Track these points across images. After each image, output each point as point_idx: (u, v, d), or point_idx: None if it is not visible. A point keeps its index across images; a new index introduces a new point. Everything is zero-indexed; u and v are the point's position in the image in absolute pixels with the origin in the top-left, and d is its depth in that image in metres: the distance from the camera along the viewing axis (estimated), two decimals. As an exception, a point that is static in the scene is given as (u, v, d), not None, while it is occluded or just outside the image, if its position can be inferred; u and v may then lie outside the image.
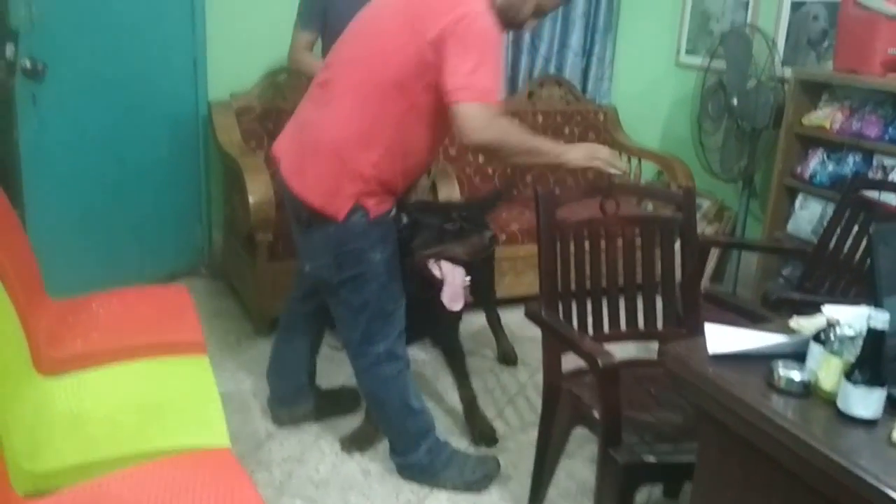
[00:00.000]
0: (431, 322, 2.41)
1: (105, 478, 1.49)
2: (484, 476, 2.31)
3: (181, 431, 1.70)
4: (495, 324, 3.15)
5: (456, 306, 2.16)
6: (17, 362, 1.80)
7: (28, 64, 2.76)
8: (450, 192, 3.37)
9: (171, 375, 1.94)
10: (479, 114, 1.86)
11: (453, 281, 2.15)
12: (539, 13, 2.11)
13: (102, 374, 1.93)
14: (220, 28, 3.54)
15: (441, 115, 1.96)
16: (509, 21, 2.08)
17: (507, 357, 3.12)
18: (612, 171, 2.13)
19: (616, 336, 2.18)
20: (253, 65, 3.56)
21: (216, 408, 1.78)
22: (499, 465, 2.36)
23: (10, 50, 2.70)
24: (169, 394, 1.86)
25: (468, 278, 2.19)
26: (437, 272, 2.16)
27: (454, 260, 2.15)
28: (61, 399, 1.83)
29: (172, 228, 3.60)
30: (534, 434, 2.24)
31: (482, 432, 2.56)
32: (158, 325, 2.14)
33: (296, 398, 2.55)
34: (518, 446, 2.55)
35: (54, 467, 1.56)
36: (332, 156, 2.01)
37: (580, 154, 2.11)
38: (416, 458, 2.29)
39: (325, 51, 2.93)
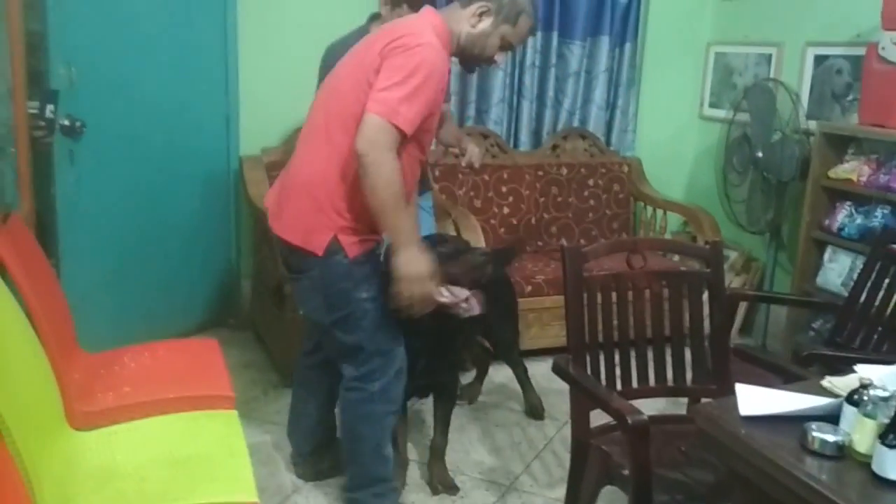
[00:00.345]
0: (438, 353, 2.36)
1: (134, 534, 1.51)
2: None
3: (210, 486, 1.71)
4: (522, 376, 3.12)
5: (474, 311, 2.14)
6: (50, 416, 1.83)
7: (67, 122, 2.85)
8: (474, 241, 3.38)
9: (200, 430, 1.95)
10: (376, 126, 1.88)
11: (460, 296, 2.13)
12: (505, 47, 2.14)
13: (133, 428, 1.95)
14: (252, 86, 3.64)
15: (405, 145, 1.99)
16: (475, 58, 2.13)
17: (535, 411, 3.09)
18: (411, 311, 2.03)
19: (645, 392, 2.16)
20: (282, 121, 3.64)
21: (244, 462, 1.79)
22: None
23: (49, 109, 2.79)
24: (198, 448, 1.87)
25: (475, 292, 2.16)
26: (441, 298, 2.09)
27: (454, 281, 2.13)
28: (92, 453, 1.85)
29: (203, 280, 3.65)
30: (562, 491, 2.21)
31: (441, 482, 2.55)
32: (189, 379, 2.17)
33: (317, 453, 2.55)
34: (545, 503, 2.52)
35: (84, 522, 1.57)
36: (304, 193, 2.07)
37: (410, 272, 1.96)
38: (362, 497, 2.29)
39: None
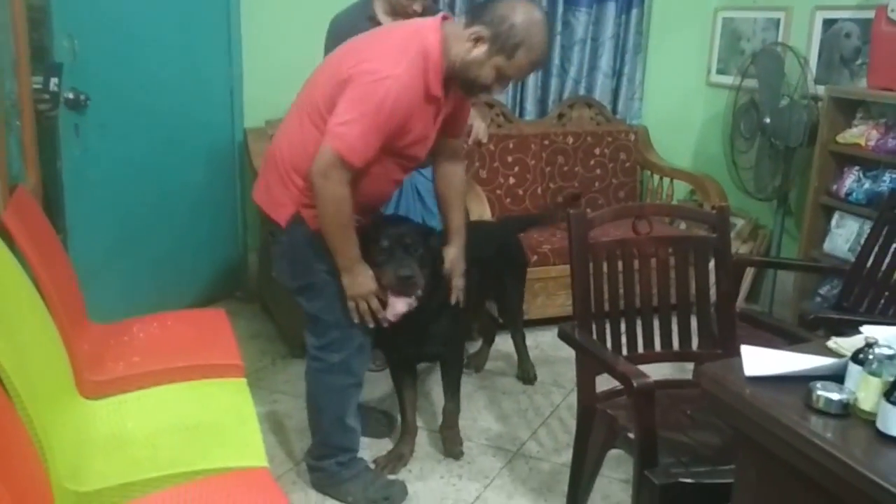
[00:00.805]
0: (433, 324, 2.39)
1: (146, 498, 1.53)
2: (385, 498, 2.32)
3: (220, 452, 1.73)
4: (519, 342, 3.15)
5: (390, 317, 2.17)
6: (61, 385, 1.85)
7: (71, 95, 2.85)
8: (481, 212, 3.38)
9: (209, 398, 1.97)
10: (330, 160, 1.95)
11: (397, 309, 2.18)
12: (501, 79, 2.04)
13: (143, 396, 1.98)
14: (255, 58, 3.62)
15: (380, 161, 2.07)
16: (470, 83, 2.05)
17: (526, 376, 3.13)
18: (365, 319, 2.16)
19: (651, 357, 2.17)
20: (286, 92, 3.54)
21: (254, 429, 1.81)
22: (405, 490, 2.36)
23: (53, 82, 2.78)
24: (208, 416, 1.89)
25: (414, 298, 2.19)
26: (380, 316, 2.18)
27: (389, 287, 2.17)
28: (103, 421, 1.87)
29: (210, 253, 3.67)
30: (568, 456, 2.23)
31: (450, 449, 2.59)
32: (197, 349, 2.18)
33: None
34: (552, 468, 2.54)
35: (96, 488, 1.59)
36: (273, 166, 2.15)
37: (353, 293, 2.12)
38: (326, 465, 2.34)
39: None
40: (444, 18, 2.08)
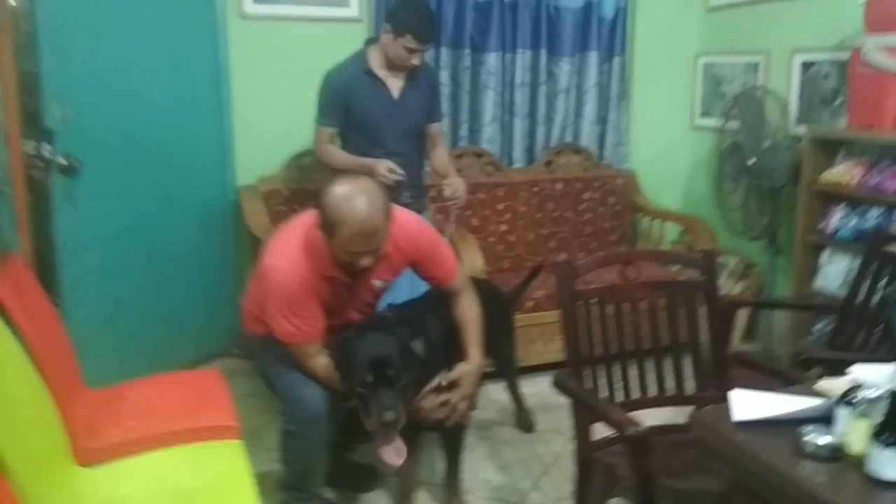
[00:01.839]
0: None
1: (142, 567, 1.51)
2: None
3: (216, 517, 1.72)
4: (514, 391, 3.12)
5: (387, 462, 2.15)
6: (55, 453, 1.84)
7: (63, 161, 2.88)
8: (473, 260, 3.41)
9: (205, 461, 1.97)
10: (291, 348, 2.23)
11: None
12: (350, 255, 2.11)
13: (139, 462, 1.97)
14: (246, 117, 3.68)
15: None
16: (341, 263, 2.18)
17: (524, 424, 3.10)
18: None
19: (647, 402, 2.17)
20: (278, 150, 3.68)
21: (250, 493, 1.80)
22: None
23: (46, 149, 2.83)
24: (204, 480, 1.88)
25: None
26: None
27: None
28: (98, 489, 1.86)
29: (205, 311, 3.67)
30: (569, 505, 2.22)
31: None
32: (192, 411, 2.18)
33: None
34: (554, 519, 2.52)
35: (92, 558, 1.58)
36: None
37: None
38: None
39: (346, 143, 3.05)
40: None
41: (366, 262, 2.12)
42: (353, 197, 2.04)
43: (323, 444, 2.31)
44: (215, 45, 3.57)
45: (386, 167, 2.91)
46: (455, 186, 3.06)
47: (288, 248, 2.20)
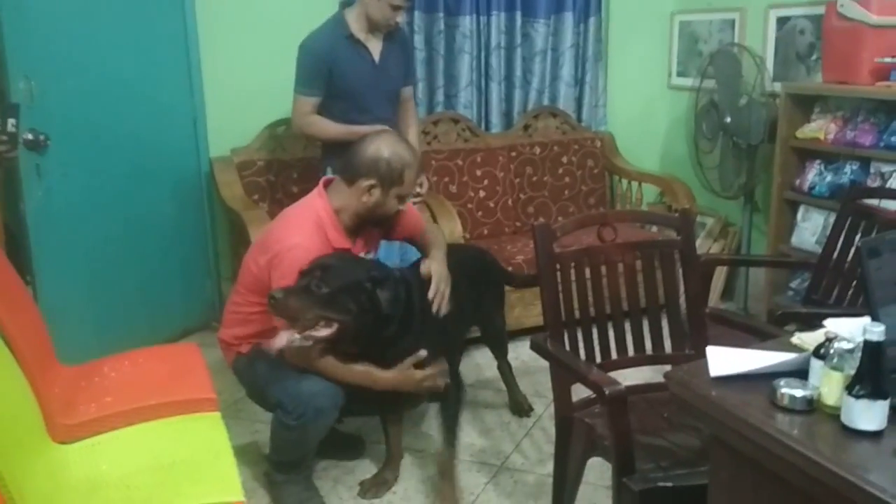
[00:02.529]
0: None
1: (122, 541, 1.51)
2: None
3: (196, 489, 1.71)
4: (507, 373, 3.04)
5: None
6: (31, 432, 1.82)
7: (30, 136, 2.82)
8: (451, 227, 3.39)
9: (184, 434, 1.96)
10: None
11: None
12: (402, 200, 2.32)
13: (116, 437, 1.95)
14: (218, 86, 3.61)
15: None
16: (381, 219, 2.34)
17: (520, 408, 2.99)
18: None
19: (625, 362, 2.18)
20: (251, 119, 3.62)
21: (229, 463, 1.79)
22: None
23: (11, 123, 2.76)
24: (183, 452, 1.87)
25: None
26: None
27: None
28: (77, 465, 1.85)
29: (182, 285, 3.64)
30: (551, 466, 2.23)
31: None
32: (170, 385, 2.16)
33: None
34: (537, 479, 2.54)
35: (72, 534, 1.57)
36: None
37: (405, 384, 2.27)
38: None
39: (330, 112, 2.97)
40: (326, 183, 2.34)
41: (405, 204, 2.36)
42: (399, 141, 2.34)
43: (322, 435, 2.31)
44: (182, 12, 3.50)
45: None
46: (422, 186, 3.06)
47: (305, 229, 2.22)
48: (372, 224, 2.36)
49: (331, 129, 2.94)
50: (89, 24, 3.09)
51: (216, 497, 1.66)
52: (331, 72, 2.91)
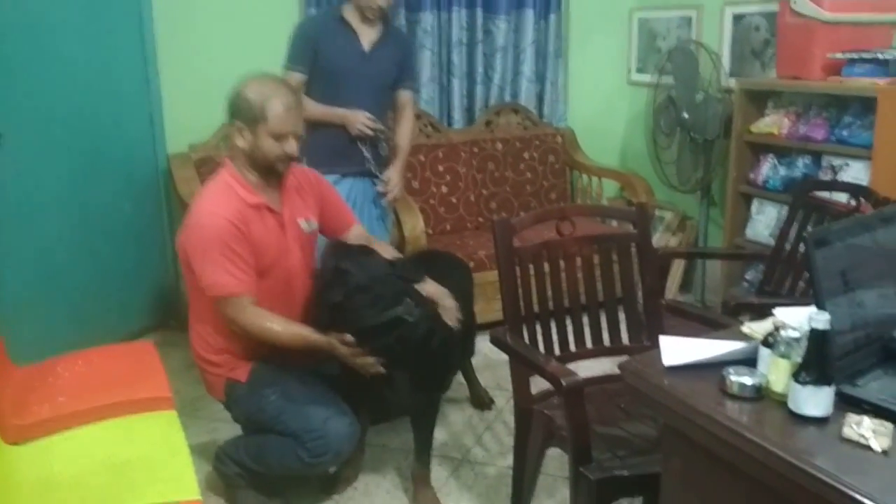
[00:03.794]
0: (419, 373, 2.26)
1: (75, 542, 1.49)
2: None
3: (152, 488, 1.69)
4: (467, 368, 3.04)
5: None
6: (-19, 433, 1.79)
7: (-19, 132, 2.77)
8: (414, 223, 3.39)
9: (139, 433, 1.93)
10: (223, 308, 2.11)
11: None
12: (280, 139, 2.13)
13: (70, 437, 1.92)
14: (175, 81, 3.56)
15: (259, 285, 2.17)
16: (268, 164, 2.17)
17: (481, 401, 3.01)
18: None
19: (583, 354, 2.20)
20: (210, 115, 3.56)
21: (186, 462, 1.78)
22: None
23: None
24: (138, 451, 1.85)
25: None
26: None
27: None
28: (29, 466, 1.82)
29: (139, 283, 3.59)
30: (512, 458, 2.25)
31: None
32: (125, 384, 2.13)
33: None
34: (497, 472, 2.55)
35: (24, 536, 1.54)
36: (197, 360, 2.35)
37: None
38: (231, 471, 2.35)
39: (313, 93, 2.95)
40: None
41: (293, 147, 2.16)
42: (266, 78, 2.19)
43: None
44: (139, 11, 3.44)
45: (365, 116, 2.91)
46: (391, 185, 3.07)
47: (211, 196, 2.16)
48: (268, 173, 2.20)
49: (309, 107, 2.86)
50: (42, 15, 3.02)
51: (172, 495, 1.64)
52: (316, 50, 2.91)
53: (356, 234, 2.47)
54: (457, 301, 2.36)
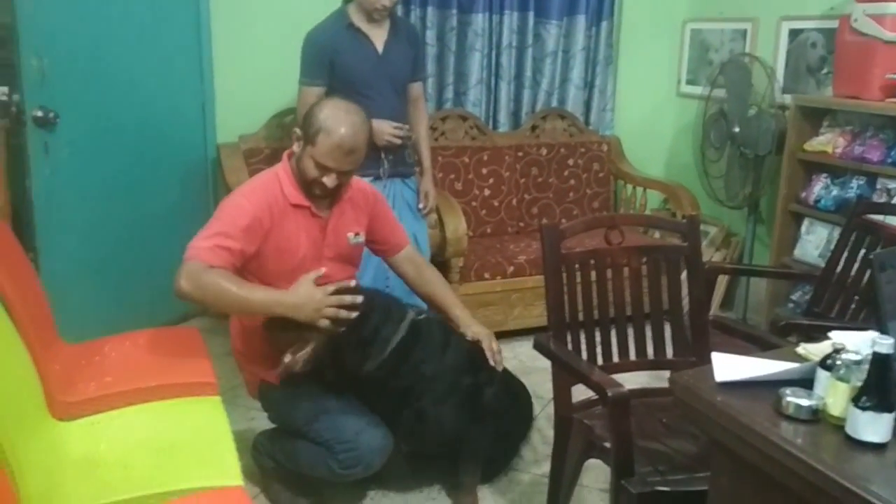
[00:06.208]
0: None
1: (119, 520, 1.51)
2: None
3: (195, 472, 1.71)
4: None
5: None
6: (32, 407, 1.82)
7: (40, 113, 2.83)
8: (456, 224, 3.39)
9: (183, 417, 1.96)
10: (183, 268, 2.05)
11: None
12: (319, 168, 2.10)
13: (115, 417, 1.95)
14: (227, 73, 3.61)
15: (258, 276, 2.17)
16: (306, 181, 2.15)
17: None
18: (344, 315, 2.04)
19: (626, 366, 2.18)
20: (260, 107, 3.62)
21: (229, 447, 1.79)
22: None
23: (21, 100, 2.76)
24: (182, 435, 1.87)
25: None
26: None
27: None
28: (75, 443, 1.85)
29: (183, 270, 3.63)
30: (547, 466, 2.23)
31: None
32: (171, 367, 2.16)
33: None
34: (532, 479, 2.54)
35: (69, 511, 1.57)
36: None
37: (305, 308, 2.01)
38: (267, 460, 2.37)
39: None
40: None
41: (331, 182, 2.11)
42: (347, 112, 2.11)
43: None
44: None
45: (390, 126, 2.91)
46: (431, 199, 3.14)
47: (252, 183, 2.20)
48: (305, 186, 2.16)
49: None
50: (102, 6, 3.08)
51: (215, 480, 1.66)
52: (332, 62, 2.91)
53: (406, 256, 2.46)
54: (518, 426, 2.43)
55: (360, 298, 2.06)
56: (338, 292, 2.04)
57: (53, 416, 1.91)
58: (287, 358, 2.04)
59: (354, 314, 2.04)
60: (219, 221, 2.07)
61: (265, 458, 2.35)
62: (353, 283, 2.14)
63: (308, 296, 2.01)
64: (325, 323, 2.02)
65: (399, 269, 2.46)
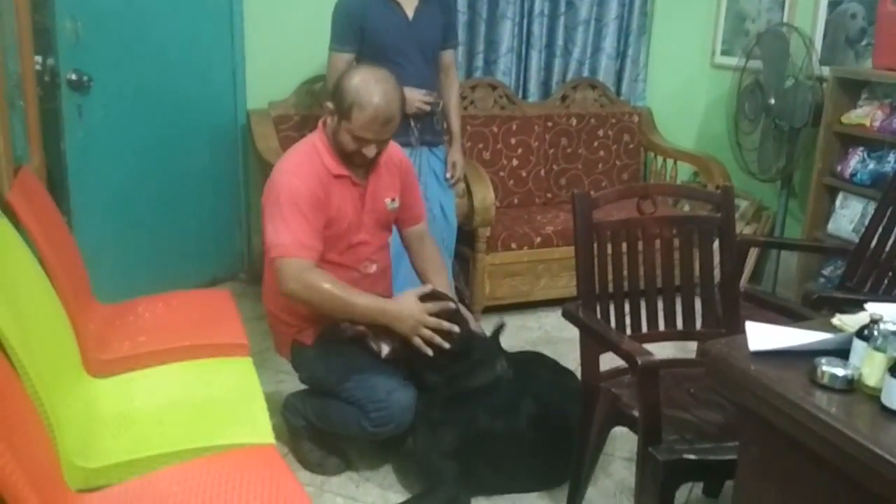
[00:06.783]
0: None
1: (153, 473, 1.54)
2: (319, 465, 2.38)
3: (227, 429, 1.74)
4: None
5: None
6: (68, 363, 1.86)
7: (73, 76, 2.85)
8: (484, 194, 3.38)
9: (216, 376, 1.98)
10: (278, 271, 2.04)
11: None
12: (357, 140, 2.10)
13: (149, 375, 1.99)
14: (258, 39, 3.61)
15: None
16: (344, 153, 2.15)
17: None
18: (437, 342, 2.09)
19: (655, 336, 2.17)
20: (290, 74, 3.61)
21: (261, 406, 1.82)
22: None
23: (56, 63, 2.79)
24: (214, 393, 1.90)
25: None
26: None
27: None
28: (110, 399, 1.89)
29: (213, 235, 3.67)
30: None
31: None
32: (203, 328, 2.19)
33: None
34: (556, 447, 2.55)
35: (105, 464, 1.60)
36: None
37: (405, 324, 2.08)
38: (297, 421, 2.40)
39: None
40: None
41: (371, 152, 2.12)
42: (377, 81, 2.08)
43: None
44: (228, -37, 3.48)
45: (420, 94, 2.89)
46: (459, 169, 3.13)
47: (294, 157, 2.18)
48: (344, 158, 2.18)
49: None
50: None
51: (248, 438, 1.68)
52: (363, 28, 2.89)
53: (418, 231, 2.45)
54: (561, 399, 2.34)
55: (456, 328, 2.12)
56: (439, 315, 2.10)
57: (89, 373, 1.95)
58: (377, 346, 2.13)
59: (447, 345, 2.10)
60: (284, 209, 2.06)
61: (297, 417, 2.39)
62: (452, 305, 2.18)
63: (410, 311, 2.08)
64: (418, 342, 2.09)
65: (407, 239, 2.46)
